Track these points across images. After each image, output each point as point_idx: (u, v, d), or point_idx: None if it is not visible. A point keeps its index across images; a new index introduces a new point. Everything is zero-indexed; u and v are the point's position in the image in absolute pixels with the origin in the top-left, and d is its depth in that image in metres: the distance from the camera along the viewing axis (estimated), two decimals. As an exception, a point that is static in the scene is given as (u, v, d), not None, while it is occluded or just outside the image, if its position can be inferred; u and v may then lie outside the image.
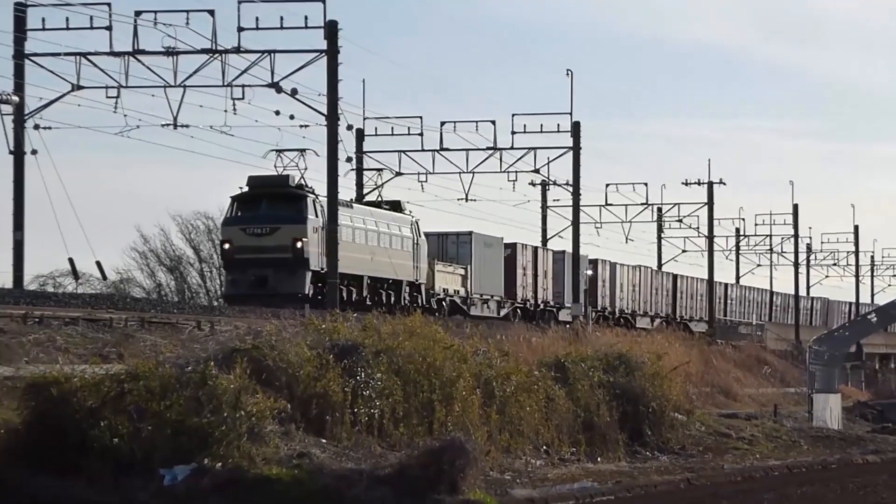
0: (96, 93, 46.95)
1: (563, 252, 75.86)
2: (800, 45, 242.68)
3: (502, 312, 65.99)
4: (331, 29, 40.55)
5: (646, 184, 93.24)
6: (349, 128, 57.81)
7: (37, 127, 52.33)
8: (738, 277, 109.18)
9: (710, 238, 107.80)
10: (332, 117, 43.43)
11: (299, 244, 44.57)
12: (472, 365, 38.52)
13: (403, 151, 62.27)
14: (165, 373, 29.23)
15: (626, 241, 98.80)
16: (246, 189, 46.87)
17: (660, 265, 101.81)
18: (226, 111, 45.69)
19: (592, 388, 42.25)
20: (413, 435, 32.72)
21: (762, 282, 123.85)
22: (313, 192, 48.62)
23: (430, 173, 66.26)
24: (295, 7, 41.96)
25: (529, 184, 79.75)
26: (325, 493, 26.21)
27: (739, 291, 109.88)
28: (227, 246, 46.84)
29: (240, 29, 42.49)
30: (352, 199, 54.99)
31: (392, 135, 63.60)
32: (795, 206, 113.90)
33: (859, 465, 42.82)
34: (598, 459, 38.81)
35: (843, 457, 46.13)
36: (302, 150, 48.87)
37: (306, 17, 41.04)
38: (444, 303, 60.40)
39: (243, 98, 44.74)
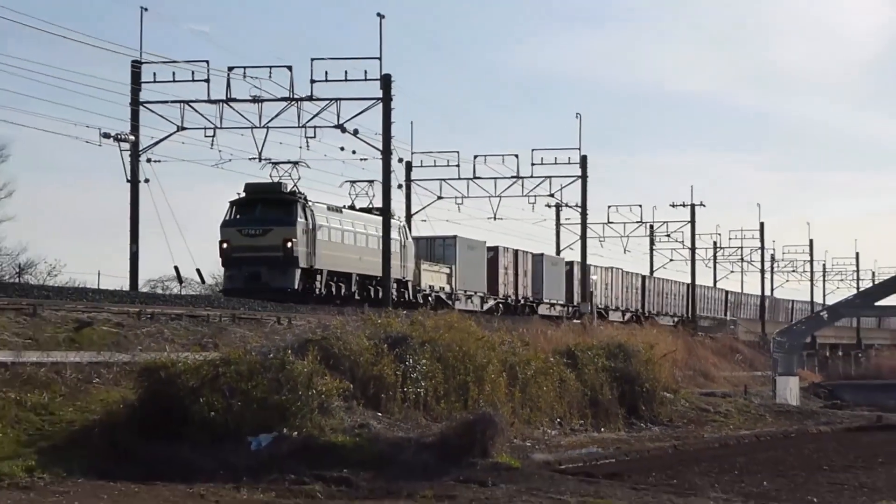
0: (197, 133, 48.56)
1: (542, 254, 75.60)
2: (762, 90, 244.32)
3: (485, 307, 65.50)
4: (385, 81, 42.22)
5: (640, 205, 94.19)
6: (399, 160, 61.08)
7: (149, 160, 54.15)
8: (715, 281, 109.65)
9: (693, 249, 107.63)
10: (387, 152, 44.14)
11: (289, 244, 44.12)
12: (499, 353, 39.34)
13: (444, 179, 63.52)
14: (252, 359, 30.53)
15: (625, 252, 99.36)
16: (243, 195, 46.77)
17: (651, 272, 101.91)
18: (300, 148, 47.66)
19: (597, 371, 43.33)
20: (451, 409, 33.49)
21: (734, 285, 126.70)
22: (304, 198, 48.14)
23: (465, 197, 67.55)
24: (357, 63, 43.02)
25: (546, 206, 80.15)
26: (380, 456, 27.30)
27: (705, 292, 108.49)
28: (224, 245, 46.05)
29: (312, 81, 44.14)
30: (343, 206, 54.45)
31: (434, 166, 64.89)
32: (762, 224, 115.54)
33: (814, 434, 43.79)
34: (602, 430, 39.80)
35: (800, 427, 47.31)
36: (295, 163, 49.57)
37: (366, 72, 42.67)
38: (429, 298, 59.94)
39: (315, 137, 46.66)
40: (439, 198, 54.11)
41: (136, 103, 43.18)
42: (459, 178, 54.25)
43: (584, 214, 73.18)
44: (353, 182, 52.42)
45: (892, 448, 36.43)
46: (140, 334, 36.11)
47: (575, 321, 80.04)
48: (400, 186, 52.74)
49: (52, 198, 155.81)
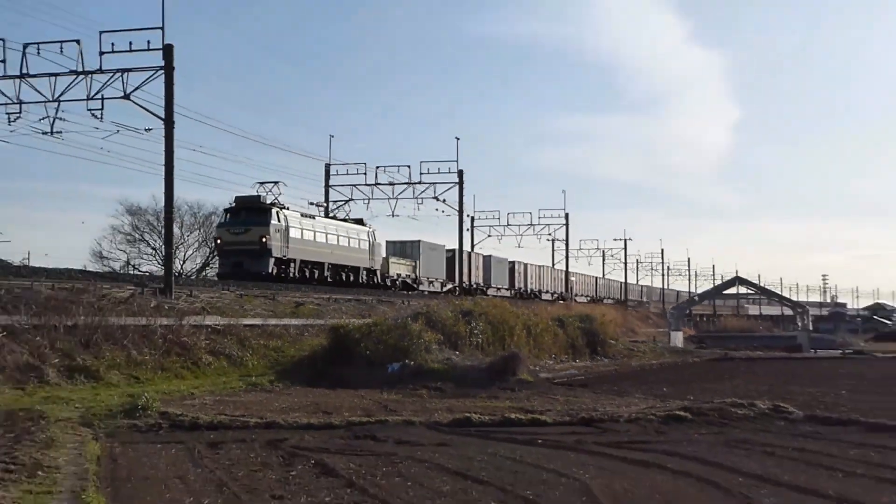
0: None
1: (490, 255, 72.82)
2: (651, 170, 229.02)
3: (445, 289, 62.85)
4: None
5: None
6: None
7: None
8: (626, 276, 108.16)
9: (603, 253, 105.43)
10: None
11: (264, 239, 41.89)
12: (521, 318, 40.90)
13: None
14: (388, 322, 33.59)
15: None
16: (233, 204, 45.00)
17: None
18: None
19: (574, 329, 44.53)
20: (496, 350, 34.77)
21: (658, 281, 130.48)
22: (279, 207, 44.90)
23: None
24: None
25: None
26: (457, 375, 29.03)
27: (605, 282, 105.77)
28: (218, 241, 44.67)
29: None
30: (315, 214, 50.99)
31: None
32: (662, 251, 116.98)
33: (690, 363, 44.71)
34: (577, 361, 41.14)
35: (683, 359, 47.89)
36: (276, 182, 47.24)
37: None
38: (396, 282, 56.82)
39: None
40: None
41: (326, 188, 42.62)
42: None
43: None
44: (262, 183, 47.71)
45: (733, 370, 37.71)
46: (329, 309, 39.36)
47: (560, 301, 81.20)
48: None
49: None
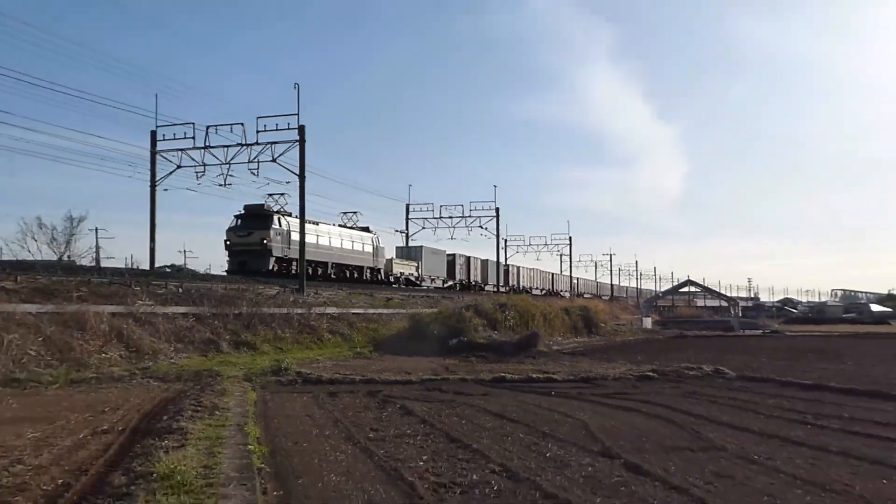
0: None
1: (487, 259, 64.76)
2: (628, 206, 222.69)
3: (446, 285, 56.43)
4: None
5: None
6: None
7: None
8: (595, 276, 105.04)
9: (596, 264, 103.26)
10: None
11: (265, 241, 35.22)
12: (540, 308, 39.70)
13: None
14: (449, 311, 33.46)
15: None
16: (242, 211, 37.20)
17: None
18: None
19: (576, 315, 43.71)
20: (522, 330, 33.61)
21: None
22: (284, 213, 38.13)
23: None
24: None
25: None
26: (496, 347, 28.40)
27: (597, 284, 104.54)
28: (227, 242, 36.62)
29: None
30: (319, 221, 41.77)
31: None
32: (636, 261, 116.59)
33: (657, 340, 43.54)
34: (577, 338, 40.15)
35: (652, 337, 47.11)
36: (282, 194, 39.44)
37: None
38: (400, 280, 50.22)
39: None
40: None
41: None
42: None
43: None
44: (270, 195, 39.96)
45: (686, 345, 36.77)
46: (409, 303, 38.81)
47: (558, 295, 77.10)
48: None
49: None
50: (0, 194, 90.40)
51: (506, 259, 71.22)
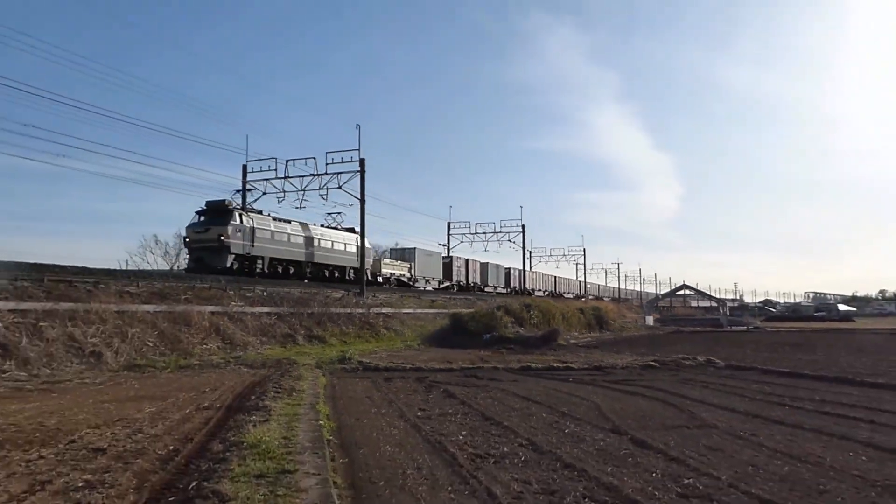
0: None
1: (488, 262, 57.30)
2: (633, 223, 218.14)
3: (442, 286, 48.99)
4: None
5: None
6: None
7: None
8: (605, 281, 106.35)
9: (606, 272, 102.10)
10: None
11: (222, 237, 28.12)
12: (560, 308, 39.17)
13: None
14: (483, 310, 33.02)
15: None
16: (203, 207, 29.74)
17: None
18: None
19: (589, 314, 43.05)
20: (544, 326, 32.91)
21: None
22: (248, 210, 31.75)
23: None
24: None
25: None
26: (523, 341, 28.03)
27: (608, 288, 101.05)
28: (187, 239, 30.15)
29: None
30: (292, 220, 33.57)
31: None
32: (640, 269, 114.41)
33: (658, 335, 41.61)
34: (591, 333, 38.88)
35: (653, 332, 44.86)
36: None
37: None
38: (389, 280, 42.77)
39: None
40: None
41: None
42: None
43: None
44: (329, 213, 37.17)
45: (682, 339, 35.46)
46: (449, 304, 38.38)
47: (561, 297, 70.22)
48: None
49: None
50: (127, 217, 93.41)
51: (531, 266, 69.87)
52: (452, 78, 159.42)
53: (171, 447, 7.00)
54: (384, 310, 31.06)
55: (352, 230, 38.22)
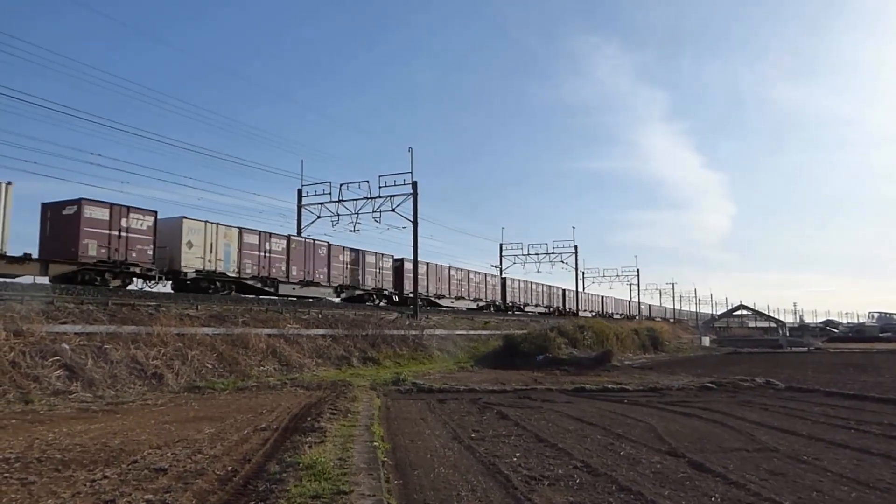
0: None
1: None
2: (685, 243, 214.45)
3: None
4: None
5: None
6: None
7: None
8: (660, 301, 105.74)
9: (660, 292, 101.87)
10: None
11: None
12: (613, 329, 38.67)
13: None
14: (536, 332, 32.89)
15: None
16: None
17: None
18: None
19: (643, 335, 42.53)
20: (599, 347, 32.51)
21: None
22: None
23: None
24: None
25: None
26: (576, 362, 27.82)
27: (662, 308, 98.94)
28: None
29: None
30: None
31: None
32: (695, 289, 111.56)
33: (715, 355, 40.83)
34: (646, 354, 38.62)
35: (710, 353, 44.16)
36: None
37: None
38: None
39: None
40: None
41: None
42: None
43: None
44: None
45: (740, 360, 34.70)
46: (502, 325, 38.30)
47: (628, 320, 66.63)
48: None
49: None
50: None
51: (584, 287, 68.02)
52: (503, 100, 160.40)
53: (230, 468, 7.06)
54: (437, 331, 31.16)
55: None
